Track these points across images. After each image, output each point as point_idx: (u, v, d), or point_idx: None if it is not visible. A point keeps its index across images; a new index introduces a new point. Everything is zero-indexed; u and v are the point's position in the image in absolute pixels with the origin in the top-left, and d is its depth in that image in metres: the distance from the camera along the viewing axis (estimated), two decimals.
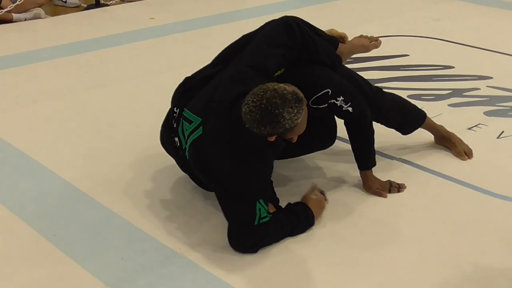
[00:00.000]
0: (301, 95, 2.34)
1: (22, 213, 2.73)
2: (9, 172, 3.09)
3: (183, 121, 2.60)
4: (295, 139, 2.47)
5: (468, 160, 3.19)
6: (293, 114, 2.25)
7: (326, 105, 2.69)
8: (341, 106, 2.71)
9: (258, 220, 2.41)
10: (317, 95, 2.66)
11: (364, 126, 2.84)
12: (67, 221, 2.68)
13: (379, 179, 2.89)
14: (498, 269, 2.39)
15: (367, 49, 3.12)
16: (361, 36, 3.11)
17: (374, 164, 2.89)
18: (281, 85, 2.30)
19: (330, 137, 3.01)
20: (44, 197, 2.86)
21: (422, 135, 3.32)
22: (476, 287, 2.30)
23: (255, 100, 2.24)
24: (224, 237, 2.50)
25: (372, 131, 2.86)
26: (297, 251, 2.48)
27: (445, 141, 3.27)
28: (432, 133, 3.30)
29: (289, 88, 2.31)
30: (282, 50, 2.63)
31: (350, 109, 2.73)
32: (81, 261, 2.41)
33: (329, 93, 2.67)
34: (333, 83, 2.70)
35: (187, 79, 2.85)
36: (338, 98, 2.69)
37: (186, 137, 2.56)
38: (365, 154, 2.87)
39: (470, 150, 3.23)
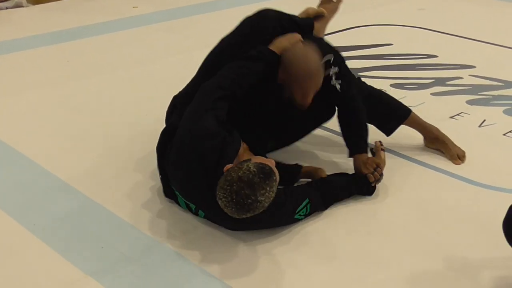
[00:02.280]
0: (268, 166, 2.21)
1: (1, 203, 2.71)
2: None
3: None
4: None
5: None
6: (267, 193, 2.18)
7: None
8: (330, 78, 2.70)
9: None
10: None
11: (353, 107, 2.82)
12: (47, 211, 2.66)
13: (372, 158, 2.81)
14: (480, 259, 2.40)
15: (336, 10, 3.18)
16: (318, 6, 3.15)
17: (366, 146, 2.82)
18: (244, 166, 2.19)
19: (329, 108, 2.96)
20: (24, 187, 2.84)
21: (406, 131, 3.34)
22: (459, 276, 2.31)
23: (225, 195, 2.16)
24: (206, 227, 2.50)
25: (362, 113, 2.83)
26: (274, 240, 2.48)
27: (438, 143, 3.15)
28: (422, 133, 3.19)
29: (254, 162, 2.22)
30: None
31: (338, 86, 2.70)
32: (61, 251, 2.39)
33: (331, 61, 2.69)
34: (335, 51, 2.74)
35: (174, 98, 2.87)
36: (333, 68, 2.71)
37: None
38: (357, 136, 2.83)
39: (464, 153, 3.11)
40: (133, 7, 5.74)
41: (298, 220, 2.53)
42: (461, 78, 4.12)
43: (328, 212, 2.65)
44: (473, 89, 3.94)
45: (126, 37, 4.96)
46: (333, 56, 2.74)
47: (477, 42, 4.81)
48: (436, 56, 4.48)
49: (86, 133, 3.33)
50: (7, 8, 5.62)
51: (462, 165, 3.05)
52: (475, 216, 2.66)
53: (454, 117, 3.56)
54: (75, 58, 4.51)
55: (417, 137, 3.22)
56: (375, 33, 4.98)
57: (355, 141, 2.83)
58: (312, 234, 2.51)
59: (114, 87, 3.98)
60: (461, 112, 3.61)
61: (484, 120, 3.52)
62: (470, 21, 5.37)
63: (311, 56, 2.61)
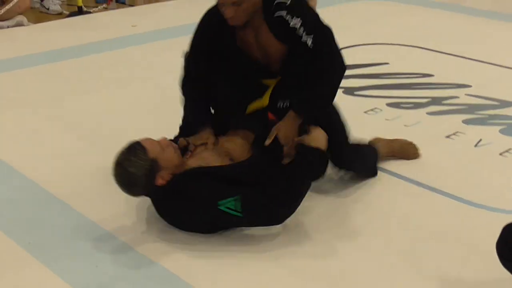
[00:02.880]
0: (134, 142, 2.49)
1: None
2: None
3: None
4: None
5: (445, 168, 3.19)
6: (135, 163, 2.41)
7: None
8: (294, 29, 2.49)
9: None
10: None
11: (323, 64, 2.58)
12: (42, 229, 2.65)
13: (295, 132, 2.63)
14: (474, 281, 2.38)
15: None
16: None
17: (305, 111, 2.60)
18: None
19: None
20: (19, 204, 2.83)
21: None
22: None
23: (115, 181, 2.49)
24: (200, 246, 2.49)
25: (331, 75, 2.58)
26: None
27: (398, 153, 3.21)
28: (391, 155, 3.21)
29: None
30: None
31: (309, 41, 2.52)
32: (56, 269, 2.38)
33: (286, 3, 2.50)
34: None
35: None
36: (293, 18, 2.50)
37: None
38: (307, 94, 2.60)
39: (412, 144, 3.21)
40: (132, 26, 5.76)
41: (228, 212, 2.42)
42: (457, 97, 4.12)
43: (323, 235, 2.64)
44: (469, 108, 3.94)
45: (125, 55, 4.97)
46: (289, 2, 2.50)
47: (473, 61, 4.82)
48: (432, 75, 4.48)
49: (83, 151, 3.32)
50: (8, 27, 5.64)
51: (458, 184, 3.04)
52: (469, 236, 2.64)
53: (450, 137, 3.55)
54: (74, 76, 4.51)
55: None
56: (371, 52, 4.98)
57: (299, 98, 2.61)
58: (306, 256, 2.50)
59: (113, 104, 3.98)
60: (457, 132, 3.61)
61: (480, 140, 3.51)
62: (466, 40, 5.38)
63: None
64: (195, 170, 2.55)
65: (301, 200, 2.55)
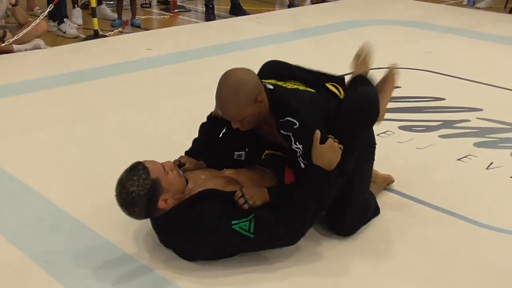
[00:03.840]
0: (137, 162, 2.49)
1: (13, 238, 2.73)
2: (4, 198, 3.09)
3: None
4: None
5: (457, 190, 3.20)
6: (136, 182, 2.41)
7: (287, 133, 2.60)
8: (295, 151, 2.60)
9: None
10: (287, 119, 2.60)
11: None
12: (59, 248, 2.67)
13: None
14: None
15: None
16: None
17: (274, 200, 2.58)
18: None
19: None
20: (36, 223, 2.86)
21: (407, 165, 3.34)
22: None
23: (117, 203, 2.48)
24: (211, 265, 2.51)
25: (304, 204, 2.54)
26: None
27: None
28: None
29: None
30: None
31: (301, 163, 2.60)
32: (71, 287, 2.41)
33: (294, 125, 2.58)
34: (309, 122, 2.61)
35: None
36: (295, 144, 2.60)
37: None
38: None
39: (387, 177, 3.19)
40: (147, 49, 5.83)
41: (240, 233, 2.42)
42: (469, 120, 4.13)
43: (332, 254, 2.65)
44: (481, 131, 3.96)
45: (140, 77, 5.02)
46: (298, 126, 2.57)
47: (484, 85, 4.84)
48: (444, 99, 4.50)
49: (98, 172, 3.35)
50: (26, 50, 5.72)
51: (469, 206, 3.04)
52: (480, 257, 2.65)
53: (462, 159, 3.56)
54: (89, 98, 4.57)
55: (423, 176, 3.23)
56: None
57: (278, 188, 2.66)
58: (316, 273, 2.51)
59: (128, 126, 4.03)
60: (469, 155, 3.62)
61: (492, 163, 3.52)
62: (477, 64, 5.40)
63: (224, 81, 2.56)
64: (204, 192, 2.53)
65: (311, 221, 2.55)
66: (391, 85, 3.22)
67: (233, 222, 2.42)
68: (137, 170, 2.42)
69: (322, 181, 2.54)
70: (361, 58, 3.10)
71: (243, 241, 2.45)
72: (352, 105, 2.74)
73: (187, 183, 2.56)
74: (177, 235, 2.52)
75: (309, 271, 2.53)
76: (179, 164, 2.74)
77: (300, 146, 2.58)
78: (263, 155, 2.84)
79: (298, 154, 2.60)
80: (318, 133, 2.54)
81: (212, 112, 2.87)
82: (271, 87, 2.66)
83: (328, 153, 2.54)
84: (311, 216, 2.53)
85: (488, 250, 2.71)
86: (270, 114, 2.64)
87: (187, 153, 2.90)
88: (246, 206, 2.49)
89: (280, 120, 2.59)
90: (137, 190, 2.38)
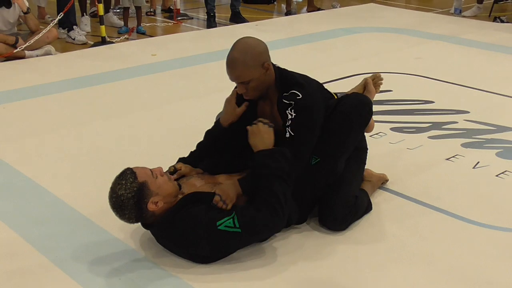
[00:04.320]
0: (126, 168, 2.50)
1: (27, 236, 2.73)
2: (18, 198, 3.09)
3: None
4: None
5: (446, 188, 3.20)
6: (124, 186, 2.42)
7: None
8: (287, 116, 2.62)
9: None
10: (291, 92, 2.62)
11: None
12: (69, 244, 2.68)
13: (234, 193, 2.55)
14: None
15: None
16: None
17: (248, 188, 2.55)
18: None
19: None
20: (49, 221, 2.86)
21: (399, 164, 3.34)
22: None
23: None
24: (220, 264, 2.51)
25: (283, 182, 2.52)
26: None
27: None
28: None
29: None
30: None
31: (287, 134, 2.62)
32: (82, 282, 2.41)
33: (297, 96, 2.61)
34: (313, 97, 2.64)
35: None
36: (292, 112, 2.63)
37: None
38: (260, 177, 2.52)
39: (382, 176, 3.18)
40: (152, 55, 5.83)
41: (227, 231, 2.40)
42: (456, 122, 4.14)
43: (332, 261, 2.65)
44: (468, 133, 3.96)
45: (145, 82, 5.02)
46: (302, 97, 2.61)
47: (471, 89, 4.84)
48: (433, 102, 4.51)
49: (107, 171, 3.33)
50: (37, 56, 5.72)
51: (457, 203, 3.05)
52: (467, 252, 2.65)
53: (450, 159, 3.57)
54: (98, 101, 4.57)
55: (414, 174, 3.23)
56: None
57: (247, 177, 2.60)
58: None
59: (133, 128, 4.03)
60: (457, 154, 3.62)
61: (478, 162, 3.52)
62: (464, 69, 5.41)
63: (235, 44, 2.64)
64: (188, 197, 2.51)
65: (285, 199, 2.47)
66: (372, 95, 3.23)
67: (218, 223, 2.40)
68: (125, 175, 2.45)
69: (269, 160, 2.53)
70: (369, 86, 3.15)
71: (234, 238, 2.43)
72: (347, 104, 2.76)
73: (180, 188, 2.56)
74: (173, 245, 2.53)
75: (309, 268, 2.54)
76: (174, 169, 2.72)
77: (294, 115, 2.60)
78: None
79: (288, 122, 2.61)
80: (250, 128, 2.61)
81: (219, 119, 2.87)
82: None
83: (261, 134, 2.58)
84: (282, 195, 2.47)
85: (474, 244, 2.71)
86: (274, 89, 2.67)
87: (183, 160, 2.85)
88: (227, 207, 2.46)
89: (284, 94, 2.63)
90: (125, 193, 2.40)
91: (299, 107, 2.60)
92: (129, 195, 2.40)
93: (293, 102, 2.61)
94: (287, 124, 2.62)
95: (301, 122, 2.61)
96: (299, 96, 2.61)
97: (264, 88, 2.67)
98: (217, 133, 2.81)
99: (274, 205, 2.45)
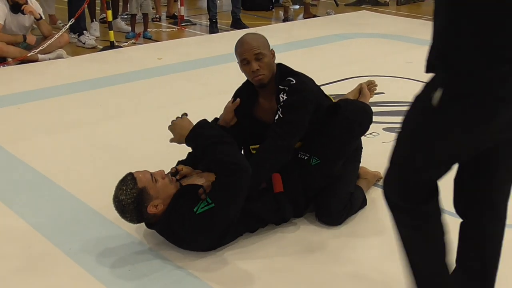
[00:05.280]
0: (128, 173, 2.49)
1: (41, 228, 2.73)
2: (32, 193, 3.09)
3: None
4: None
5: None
6: (125, 191, 2.41)
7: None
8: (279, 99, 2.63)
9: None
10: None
11: (266, 145, 2.61)
12: (81, 236, 2.68)
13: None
14: None
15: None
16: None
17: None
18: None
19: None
20: (61, 215, 2.86)
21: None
22: None
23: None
24: (221, 252, 2.50)
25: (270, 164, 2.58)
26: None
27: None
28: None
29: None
30: None
31: (278, 112, 2.62)
32: (93, 272, 2.41)
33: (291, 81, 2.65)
34: (302, 86, 2.66)
35: None
36: (283, 95, 2.64)
37: None
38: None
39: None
40: (158, 59, 5.82)
41: (204, 211, 2.38)
42: None
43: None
44: None
45: (151, 84, 5.02)
46: (295, 82, 2.64)
47: None
48: None
49: (117, 168, 3.33)
50: (49, 59, 5.72)
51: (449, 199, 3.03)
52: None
53: None
54: (107, 102, 4.56)
55: None
56: None
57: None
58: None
59: (141, 128, 4.02)
60: None
61: None
62: None
63: (248, 33, 2.74)
64: (179, 192, 2.51)
65: (237, 159, 2.44)
66: (367, 99, 3.24)
67: (195, 209, 2.39)
68: (126, 181, 2.45)
69: (197, 139, 2.51)
70: (364, 90, 3.15)
71: (213, 214, 2.38)
72: (351, 111, 2.78)
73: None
74: (174, 241, 2.53)
75: (306, 261, 2.54)
76: (176, 171, 2.71)
77: (285, 98, 2.61)
78: (251, 150, 2.80)
79: (279, 105, 2.63)
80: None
81: (218, 121, 2.86)
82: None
83: (177, 126, 2.60)
84: (228, 155, 2.43)
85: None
86: (273, 84, 2.69)
87: (183, 162, 2.84)
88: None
89: (281, 82, 2.66)
90: (125, 198, 2.41)
91: (291, 91, 2.63)
92: (129, 200, 2.40)
93: (286, 88, 2.63)
94: (278, 107, 2.63)
95: (291, 103, 2.62)
96: (292, 81, 2.64)
97: (270, 73, 2.68)
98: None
99: (229, 166, 2.40)
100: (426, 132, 1.73)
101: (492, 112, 1.61)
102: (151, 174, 2.49)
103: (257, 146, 2.72)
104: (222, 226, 2.47)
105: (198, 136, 2.52)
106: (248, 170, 2.42)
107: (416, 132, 1.76)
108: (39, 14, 5.61)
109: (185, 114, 2.63)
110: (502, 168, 1.85)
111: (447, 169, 1.80)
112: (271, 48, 2.72)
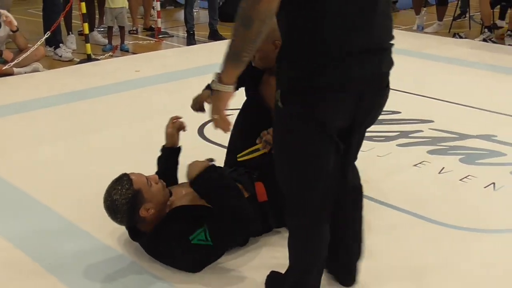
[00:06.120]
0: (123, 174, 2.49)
1: (21, 245, 2.70)
2: (11, 210, 3.05)
3: None
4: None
5: (414, 192, 3.24)
6: (120, 191, 2.40)
7: None
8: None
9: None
10: None
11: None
12: (61, 251, 2.65)
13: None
14: None
15: None
16: None
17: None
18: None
19: None
20: (41, 230, 2.83)
21: (370, 170, 3.37)
22: None
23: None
24: (211, 273, 2.51)
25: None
26: None
27: None
28: None
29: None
30: None
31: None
32: (71, 283, 2.40)
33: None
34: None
35: None
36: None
37: None
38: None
39: None
40: (136, 71, 5.80)
41: (201, 245, 2.37)
42: (422, 131, 4.19)
43: None
44: (433, 140, 4.01)
45: (129, 97, 5.00)
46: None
47: (435, 100, 4.91)
48: (400, 112, 4.55)
49: (96, 182, 3.30)
50: (25, 73, 5.66)
51: (425, 206, 3.08)
52: (435, 251, 2.68)
53: (417, 165, 3.61)
54: (84, 115, 4.53)
55: (384, 180, 3.25)
56: None
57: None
58: None
59: (118, 140, 4.01)
60: (423, 161, 3.67)
61: (443, 168, 3.57)
62: (427, 81, 5.48)
63: None
64: (174, 211, 2.50)
65: (242, 206, 2.43)
66: None
67: (190, 237, 2.38)
68: (121, 181, 2.43)
69: (206, 179, 2.47)
70: None
71: (209, 253, 2.42)
72: None
73: (170, 195, 2.55)
74: (159, 258, 2.51)
75: None
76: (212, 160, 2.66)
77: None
78: (238, 158, 2.76)
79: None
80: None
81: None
82: None
83: (193, 166, 2.51)
84: (236, 204, 2.42)
85: (441, 245, 2.74)
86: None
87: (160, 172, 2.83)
88: None
89: None
90: (119, 198, 2.39)
91: None
92: (124, 201, 2.39)
93: None
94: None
95: None
96: None
97: (271, 61, 2.63)
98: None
99: (234, 210, 2.40)
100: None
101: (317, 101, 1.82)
102: (146, 177, 2.49)
103: (244, 154, 2.71)
104: (217, 259, 2.49)
105: (207, 177, 2.47)
106: (248, 217, 2.44)
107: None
108: (16, 26, 5.55)
109: (211, 160, 2.58)
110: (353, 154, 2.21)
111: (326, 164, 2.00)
112: (275, 40, 2.56)
